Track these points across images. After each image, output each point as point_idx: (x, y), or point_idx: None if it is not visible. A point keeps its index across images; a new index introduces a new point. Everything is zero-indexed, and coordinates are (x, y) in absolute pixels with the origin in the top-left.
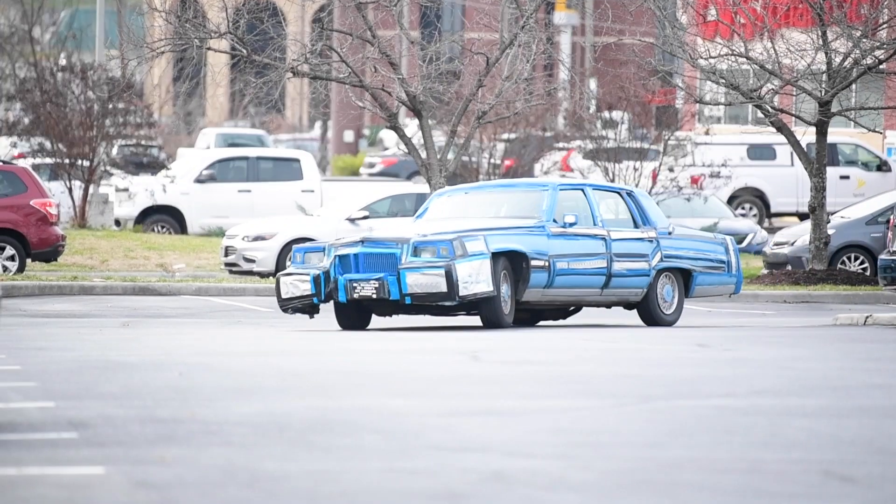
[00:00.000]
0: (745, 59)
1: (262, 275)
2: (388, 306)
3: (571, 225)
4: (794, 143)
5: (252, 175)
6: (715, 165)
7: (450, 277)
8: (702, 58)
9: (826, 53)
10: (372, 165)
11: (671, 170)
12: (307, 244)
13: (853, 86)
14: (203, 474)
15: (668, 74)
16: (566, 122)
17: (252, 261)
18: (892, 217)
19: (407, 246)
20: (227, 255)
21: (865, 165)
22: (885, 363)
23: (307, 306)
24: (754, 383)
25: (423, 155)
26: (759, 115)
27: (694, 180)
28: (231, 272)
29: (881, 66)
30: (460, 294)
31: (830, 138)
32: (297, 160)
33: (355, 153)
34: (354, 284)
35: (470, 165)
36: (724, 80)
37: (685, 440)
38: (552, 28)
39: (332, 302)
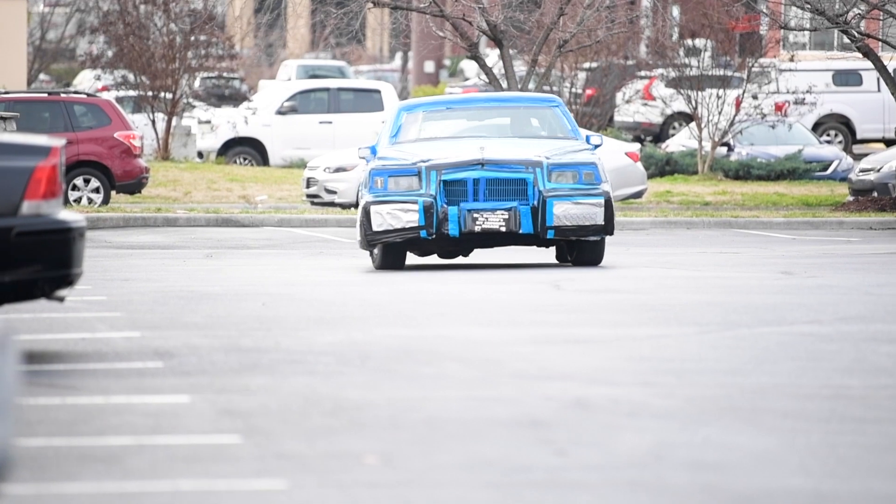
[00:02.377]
0: None
1: (344, 206)
2: (498, 240)
3: (597, 147)
4: (880, 68)
5: (333, 106)
6: (800, 92)
7: (609, 207)
8: None
9: None
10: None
11: (755, 97)
12: (392, 165)
13: None
14: (286, 403)
15: (752, 0)
16: (648, 50)
17: (334, 192)
18: None
19: (540, 170)
20: (308, 186)
21: None
22: None
23: (409, 241)
24: (839, 310)
25: (504, 85)
26: (846, 40)
27: (778, 107)
28: (313, 203)
29: None
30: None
31: None
32: (378, 91)
33: (436, 84)
34: (475, 215)
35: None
36: (809, 6)
37: (769, 367)
38: None
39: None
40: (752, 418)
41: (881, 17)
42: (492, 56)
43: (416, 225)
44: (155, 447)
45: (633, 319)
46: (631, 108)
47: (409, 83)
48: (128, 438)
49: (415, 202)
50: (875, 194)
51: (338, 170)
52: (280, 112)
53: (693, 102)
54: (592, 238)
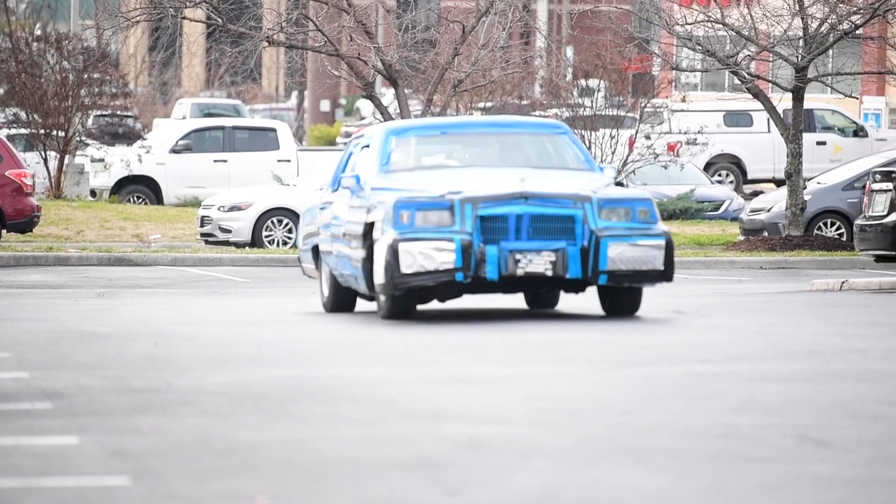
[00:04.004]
0: (721, 26)
1: (238, 245)
2: (520, 286)
3: (618, 183)
4: (770, 109)
5: (228, 145)
6: (691, 132)
7: (670, 250)
8: (678, 24)
9: (802, 19)
10: (348, 135)
11: (647, 137)
12: (419, 197)
13: (829, 51)
14: (178, 443)
15: (644, 41)
16: (542, 90)
17: (228, 231)
18: (868, 182)
19: (590, 206)
20: (202, 225)
21: (842, 131)
22: (861, 328)
23: (442, 286)
24: (729, 349)
25: None
26: (736, 81)
27: (670, 147)
28: (207, 242)
29: (857, 32)
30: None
31: (807, 104)
32: (274, 130)
33: (332, 123)
34: (518, 256)
35: None
36: (700, 47)
37: (660, 406)
38: None
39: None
40: (643, 457)
41: (770, 59)
42: (387, 95)
43: (452, 267)
44: (42, 489)
45: (526, 358)
46: None
47: (305, 122)
48: (15, 481)
49: (451, 240)
50: (766, 234)
51: (232, 209)
52: (174, 150)
53: (587, 142)
54: (645, 285)
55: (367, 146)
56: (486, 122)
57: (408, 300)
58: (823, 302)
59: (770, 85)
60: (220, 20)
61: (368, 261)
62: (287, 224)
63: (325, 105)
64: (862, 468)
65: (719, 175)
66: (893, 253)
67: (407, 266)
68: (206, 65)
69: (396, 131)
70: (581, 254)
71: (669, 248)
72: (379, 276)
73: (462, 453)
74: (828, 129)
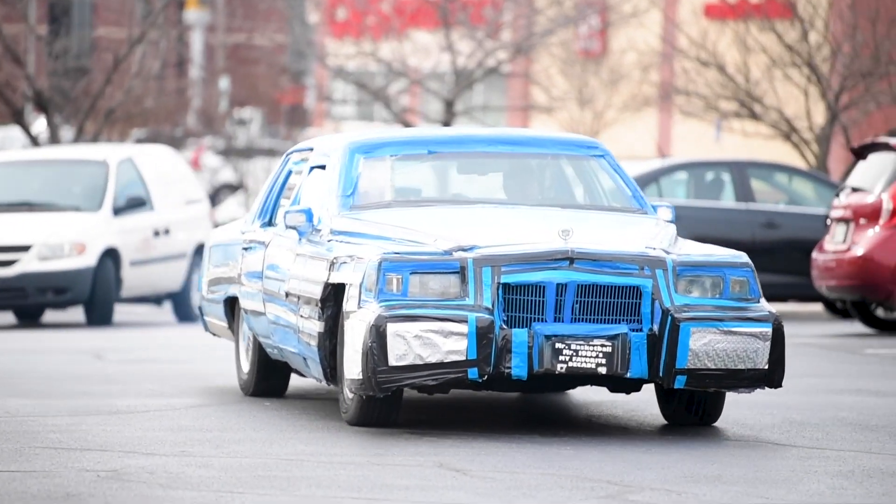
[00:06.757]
0: (373, 59)
1: None
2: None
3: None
4: None
5: None
6: None
7: (779, 341)
8: (331, 57)
9: (451, 54)
10: None
11: None
12: (416, 256)
13: (478, 86)
14: None
15: (298, 73)
16: (197, 119)
17: None
18: None
19: (662, 273)
20: None
21: None
22: None
23: (448, 384)
24: None
25: None
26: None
27: None
28: None
29: (503, 67)
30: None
31: None
32: None
33: None
34: (559, 346)
35: None
36: (352, 78)
37: (305, 435)
38: (183, 26)
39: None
40: (286, 487)
41: (421, 92)
42: (38, 122)
43: (464, 359)
44: None
45: (174, 389)
46: None
47: None
48: None
49: (462, 319)
50: None
51: None
52: None
53: (240, 172)
54: (741, 390)
55: (320, 167)
56: (494, 136)
57: (391, 403)
58: None
59: (421, 117)
60: None
61: (329, 338)
62: None
63: None
64: None
65: None
66: None
67: (398, 356)
68: None
69: (364, 147)
70: (648, 343)
71: (778, 339)
72: (352, 368)
73: (105, 485)
74: None
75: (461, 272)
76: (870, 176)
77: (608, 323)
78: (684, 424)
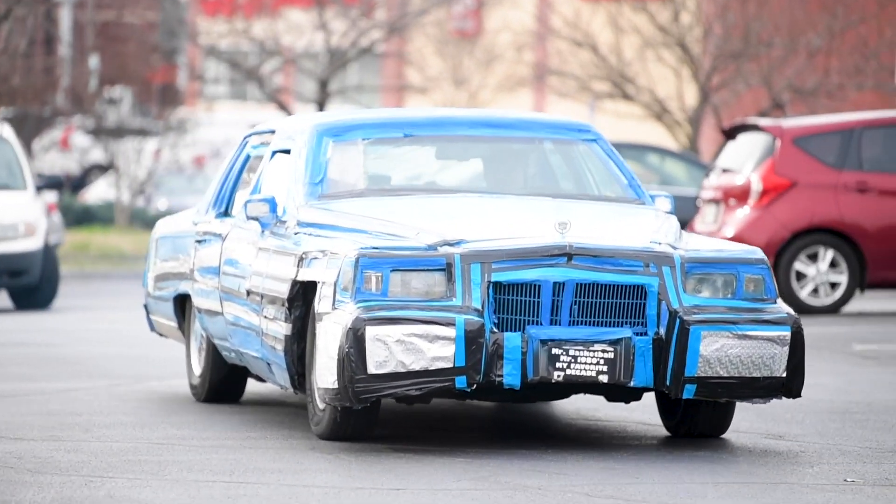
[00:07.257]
0: (246, 38)
1: None
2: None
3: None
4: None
5: None
6: (217, 144)
7: (798, 346)
8: (203, 35)
9: (324, 33)
10: None
11: (173, 148)
12: (398, 252)
13: (353, 66)
14: None
15: (169, 52)
16: (66, 98)
17: None
18: None
19: (670, 270)
20: None
21: None
22: None
23: (433, 394)
24: None
25: None
26: (261, 93)
27: (198, 160)
28: None
29: (378, 47)
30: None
31: None
32: None
33: None
34: (556, 351)
35: None
36: (225, 59)
37: (175, 419)
38: (51, 2)
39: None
40: (157, 471)
41: (295, 71)
42: None
43: (451, 366)
44: None
45: (44, 373)
46: (48, 158)
47: None
48: None
49: (449, 323)
50: None
51: None
52: None
53: (111, 153)
54: (755, 400)
55: (284, 151)
56: (476, 118)
57: (368, 414)
58: None
59: (295, 96)
60: None
61: (297, 342)
62: None
63: None
64: None
65: None
66: None
67: (377, 363)
68: None
69: (334, 130)
70: (654, 348)
71: (798, 344)
72: (325, 376)
73: None
74: None
75: (447, 269)
76: (740, 157)
77: (610, 326)
78: (688, 436)
